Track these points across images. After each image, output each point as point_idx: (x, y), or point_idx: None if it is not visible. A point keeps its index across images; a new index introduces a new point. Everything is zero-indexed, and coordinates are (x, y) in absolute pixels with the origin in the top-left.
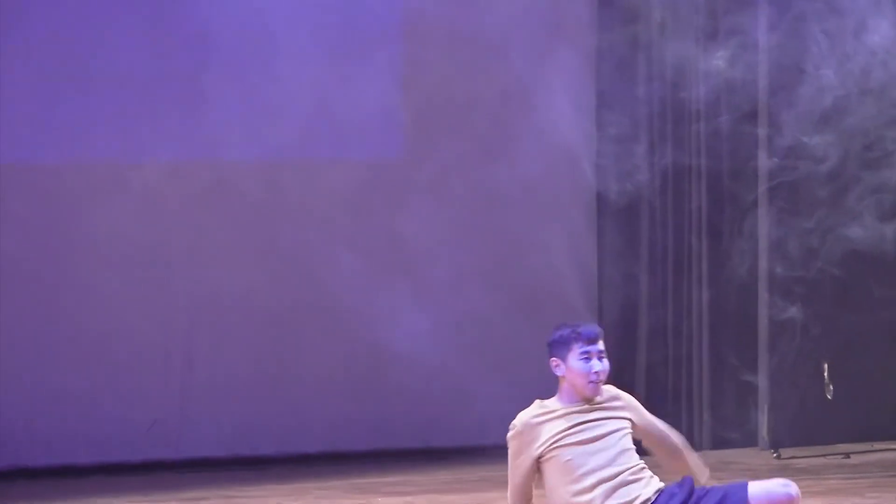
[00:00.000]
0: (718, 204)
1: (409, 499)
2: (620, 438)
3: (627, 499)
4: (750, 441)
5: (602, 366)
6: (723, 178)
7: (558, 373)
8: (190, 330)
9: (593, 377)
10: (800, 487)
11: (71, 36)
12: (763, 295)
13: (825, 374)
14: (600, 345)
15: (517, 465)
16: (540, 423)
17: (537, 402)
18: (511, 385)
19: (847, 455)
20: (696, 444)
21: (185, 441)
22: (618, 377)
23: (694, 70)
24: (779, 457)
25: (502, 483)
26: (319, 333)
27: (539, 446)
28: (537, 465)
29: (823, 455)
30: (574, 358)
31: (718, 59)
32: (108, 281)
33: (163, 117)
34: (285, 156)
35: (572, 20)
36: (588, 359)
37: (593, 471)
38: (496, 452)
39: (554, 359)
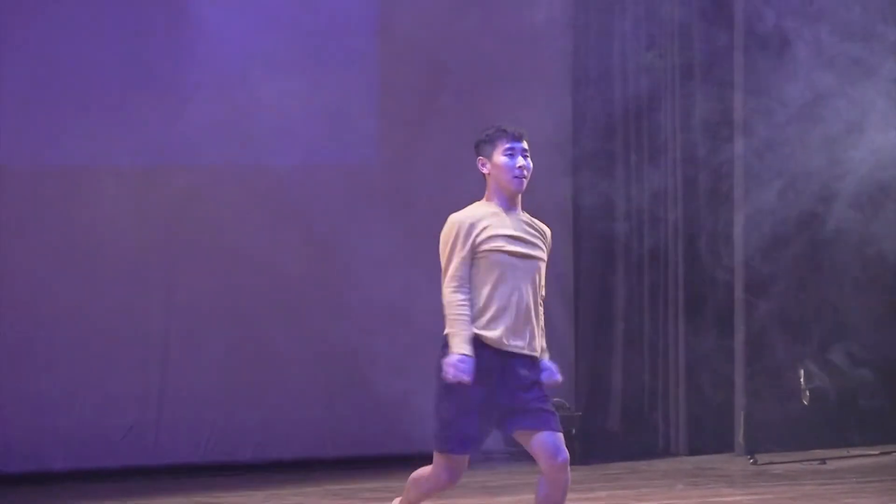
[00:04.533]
0: (694, 210)
1: None
2: (540, 270)
3: (525, 342)
4: (726, 447)
5: (526, 162)
6: (698, 175)
7: (484, 170)
8: (166, 336)
9: (517, 172)
10: (776, 493)
11: (49, 39)
12: (740, 302)
13: (801, 380)
14: (525, 144)
15: (459, 254)
16: (478, 217)
17: (474, 204)
18: None
19: (823, 461)
20: (672, 449)
21: (162, 447)
22: (594, 384)
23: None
24: (755, 462)
25: (481, 490)
26: (297, 339)
27: (478, 235)
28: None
29: (800, 461)
30: (499, 154)
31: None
32: (83, 286)
33: (140, 122)
34: (262, 161)
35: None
36: (513, 155)
37: (511, 292)
38: (474, 458)
39: (480, 158)
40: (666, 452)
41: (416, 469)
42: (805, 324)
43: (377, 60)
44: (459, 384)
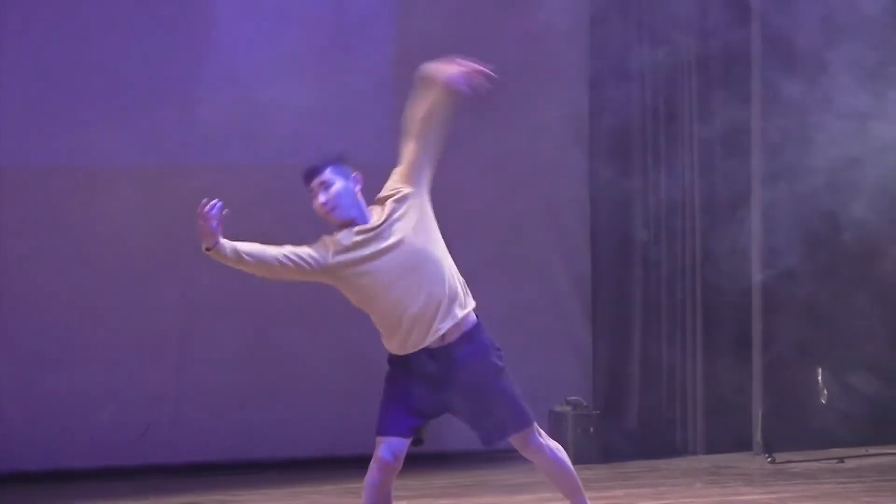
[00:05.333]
0: (712, 206)
1: (404, 503)
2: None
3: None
4: (744, 446)
5: (326, 195)
6: (715, 173)
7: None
8: (183, 334)
9: (322, 212)
10: (794, 492)
11: (65, 40)
12: (757, 299)
13: (819, 378)
14: (317, 179)
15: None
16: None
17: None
18: None
19: (841, 459)
20: (690, 448)
21: (180, 445)
22: (612, 383)
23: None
24: (773, 461)
25: (498, 487)
26: (313, 337)
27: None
28: None
29: (818, 460)
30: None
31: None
32: (100, 285)
33: (154, 122)
34: (277, 161)
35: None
36: (314, 196)
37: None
38: (492, 457)
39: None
40: (684, 451)
41: (434, 466)
42: (825, 320)
43: (392, 60)
44: None
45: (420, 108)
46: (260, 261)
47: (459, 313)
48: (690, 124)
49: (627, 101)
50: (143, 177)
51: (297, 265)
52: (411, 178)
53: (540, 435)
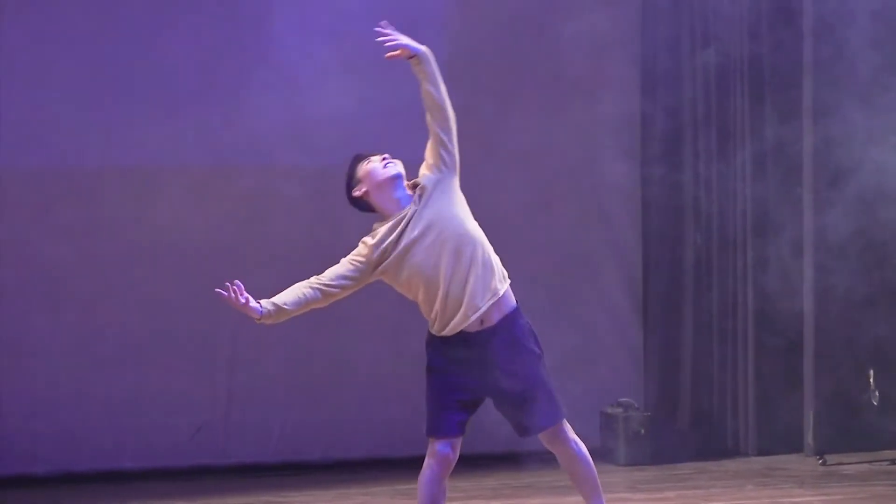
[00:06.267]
0: (764, 203)
1: None
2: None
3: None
4: (796, 447)
5: (392, 161)
6: (767, 176)
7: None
8: (234, 335)
9: (381, 172)
10: (846, 493)
11: (117, 39)
12: (809, 299)
13: (871, 380)
14: (383, 154)
15: None
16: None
17: None
18: (558, 394)
19: (893, 461)
20: (741, 450)
21: (230, 447)
22: (663, 384)
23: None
24: (824, 463)
25: (547, 489)
26: (364, 338)
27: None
28: None
29: (869, 461)
30: (368, 164)
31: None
32: (151, 285)
33: (206, 122)
34: (326, 161)
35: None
36: (374, 163)
37: None
38: (542, 458)
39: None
40: (735, 453)
41: (483, 468)
42: (876, 321)
43: (444, 63)
44: None
45: (425, 94)
46: (308, 304)
47: (500, 288)
48: (742, 127)
49: (679, 104)
50: (194, 176)
51: (342, 287)
52: (438, 162)
53: (568, 430)
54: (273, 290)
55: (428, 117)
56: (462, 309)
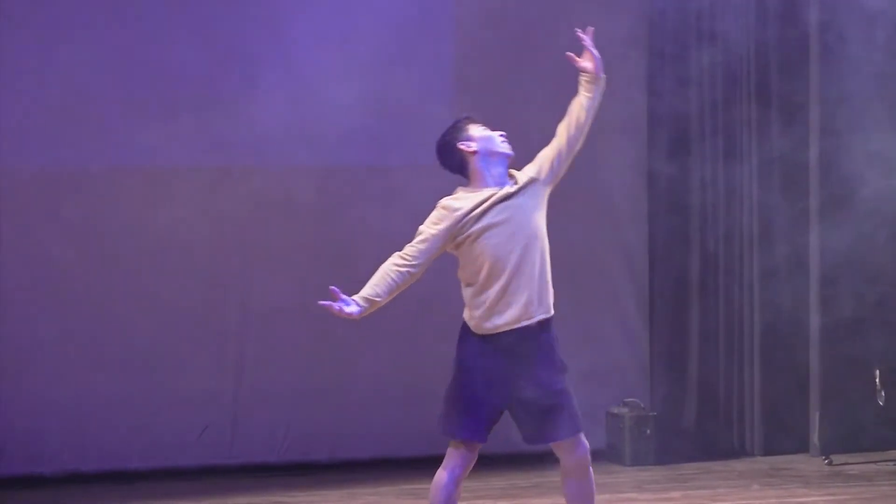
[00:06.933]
0: (769, 203)
1: None
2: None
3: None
4: (801, 447)
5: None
6: (774, 181)
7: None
8: (241, 335)
9: (501, 144)
10: (852, 493)
11: (122, 38)
12: (815, 299)
13: (877, 380)
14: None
15: None
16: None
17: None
18: None
19: None
20: (747, 450)
21: (238, 447)
22: (669, 384)
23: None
24: (830, 463)
25: (554, 490)
26: (371, 338)
27: None
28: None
29: (875, 462)
30: (479, 130)
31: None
32: (159, 286)
33: (212, 122)
34: (335, 162)
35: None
36: (491, 131)
37: None
38: (549, 459)
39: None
40: (741, 453)
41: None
42: (882, 322)
43: (451, 62)
44: None
45: (577, 108)
46: (398, 289)
47: (551, 309)
48: (749, 127)
49: (686, 102)
50: (200, 177)
51: (427, 261)
52: (545, 168)
53: (584, 440)
54: (282, 292)
55: (563, 126)
56: (515, 309)
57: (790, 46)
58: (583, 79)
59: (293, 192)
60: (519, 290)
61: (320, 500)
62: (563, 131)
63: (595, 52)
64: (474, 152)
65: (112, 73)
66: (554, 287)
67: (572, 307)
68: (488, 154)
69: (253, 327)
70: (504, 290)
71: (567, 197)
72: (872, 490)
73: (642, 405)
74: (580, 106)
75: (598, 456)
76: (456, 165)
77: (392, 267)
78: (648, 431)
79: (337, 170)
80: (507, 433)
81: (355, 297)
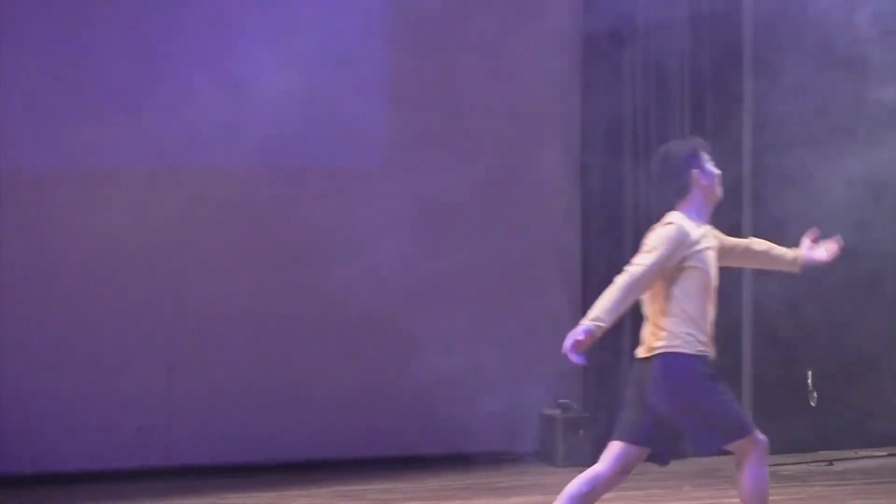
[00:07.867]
0: None
1: None
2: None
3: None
4: None
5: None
6: None
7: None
8: (175, 337)
9: (717, 184)
10: (786, 494)
11: (58, 43)
12: (747, 303)
13: (809, 381)
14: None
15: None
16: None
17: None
18: (497, 396)
19: (831, 462)
20: (682, 452)
21: (172, 449)
22: (602, 385)
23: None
24: None
25: (488, 490)
26: (304, 341)
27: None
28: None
29: (808, 462)
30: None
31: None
32: (94, 288)
33: (145, 123)
34: (274, 162)
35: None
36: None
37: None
38: (482, 460)
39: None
40: None
41: (428, 470)
42: (813, 323)
43: (387, 63)
44: None
45: (766, 250)
46: (625, 301)
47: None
48: (682, 126)
49: (619, 107)
50: (139, 179)
51: (657, 269)
52: (722, 245)
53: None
54: (218, 293)
55: (751, 250)
56: (710, 333)
57: (723, 55)
58: (798, 259)
59: (230, 193)
60: (712, 316)
61: (254, 502)
62: (747, 251)
63: (827, 259)
64: (702, 185)
65: (43, 73)
66: (486, 287)
67: (504, 307)
68: (709, 192)
69: (186, 329)
70: (711, 309)
71: (500, 196)
72: (805, 490)
73: (575, 406)
74: (772, 255)
75: (530, 457)
76: (676, 185)
77: (624, 289)
78: (582, 432)
79: (274, 171)
80: (440, 434)
81: (591, 323)
